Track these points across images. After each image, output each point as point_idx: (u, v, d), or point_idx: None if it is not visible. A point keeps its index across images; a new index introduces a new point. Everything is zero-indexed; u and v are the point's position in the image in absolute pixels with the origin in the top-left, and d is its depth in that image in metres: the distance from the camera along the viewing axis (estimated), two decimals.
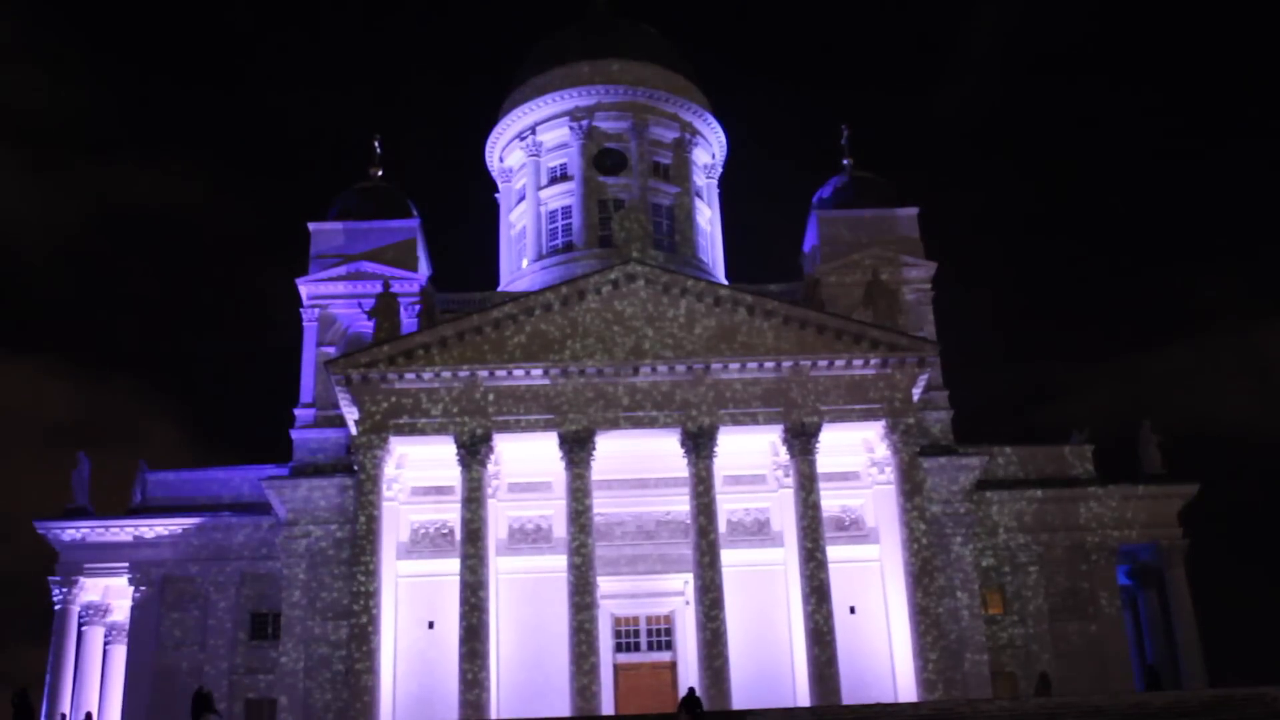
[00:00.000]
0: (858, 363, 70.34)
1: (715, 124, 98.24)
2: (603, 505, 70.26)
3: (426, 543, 72.53)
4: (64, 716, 75.12)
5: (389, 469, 70.67)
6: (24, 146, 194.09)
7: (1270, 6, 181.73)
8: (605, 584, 69.21)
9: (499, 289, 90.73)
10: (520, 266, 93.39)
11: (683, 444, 69.28)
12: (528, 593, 70.91)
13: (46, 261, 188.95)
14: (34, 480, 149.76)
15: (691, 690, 59.87)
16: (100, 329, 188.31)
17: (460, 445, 69.03)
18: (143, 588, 77.92)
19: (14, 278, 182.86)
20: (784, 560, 70.91)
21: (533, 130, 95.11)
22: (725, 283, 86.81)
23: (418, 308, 79.05)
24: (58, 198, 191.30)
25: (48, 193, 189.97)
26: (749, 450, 71.99)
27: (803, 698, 66.73)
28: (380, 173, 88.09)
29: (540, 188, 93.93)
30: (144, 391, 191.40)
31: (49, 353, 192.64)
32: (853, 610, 69.99)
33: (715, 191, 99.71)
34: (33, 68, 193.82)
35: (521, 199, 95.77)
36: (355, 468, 70.22)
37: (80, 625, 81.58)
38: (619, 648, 70.85)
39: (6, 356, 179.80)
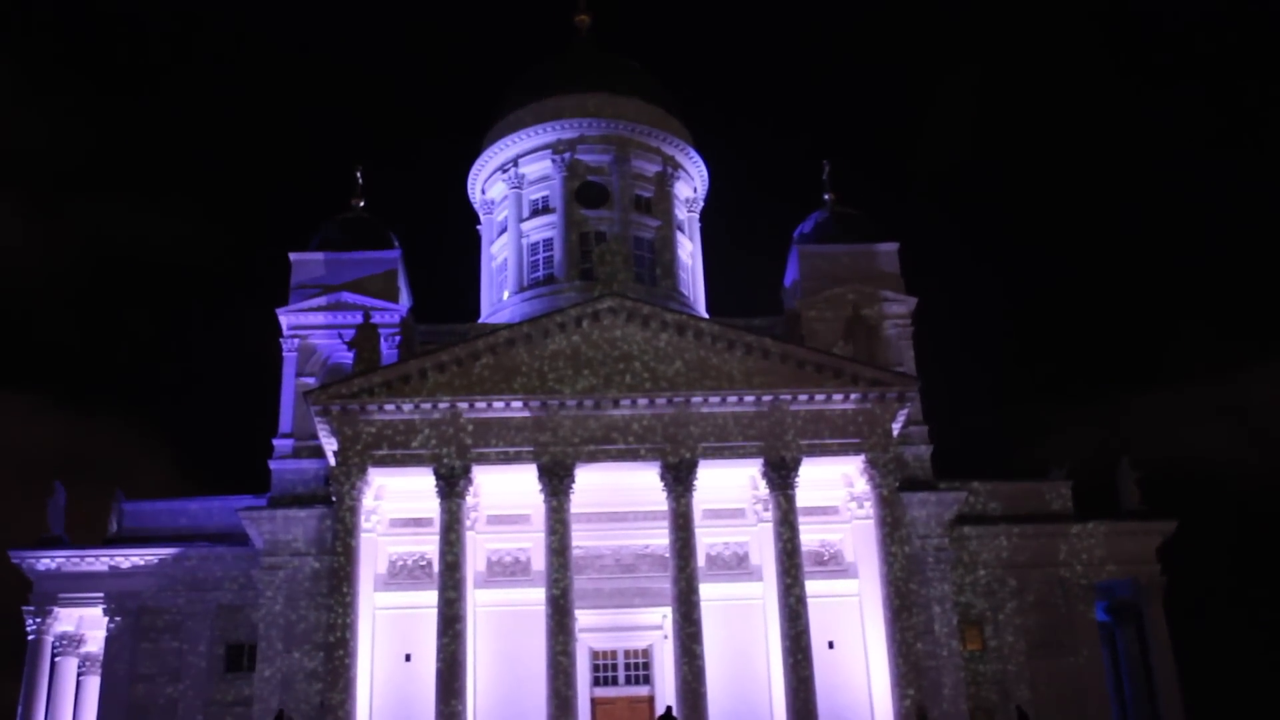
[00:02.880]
0: (838, 397, 70.48)
1: (697, 158, 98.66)
2: (582, 538, 70.13)
3: (404, 575, 72.21)
4: None
5: (367, 500, 70.47)
6: (11, 184, 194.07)
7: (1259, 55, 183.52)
8: (583, 617, 68.97)
9: (480, 321, 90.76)
10: (501, 298, 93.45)
11: (662, 477, 69.23)
12: (506, 625, 70.61)
13: (30, 298, 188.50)
14: (14, 514, 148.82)
15: (669, 709, 60.02)
16: (84, 364, 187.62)
17: (439, 477, 68.85)
18: (117, 618, 77.35)
19: (4, 314, 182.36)
20: (763, 595, 70.81)
21: (515, 163, 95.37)
22: (706, 316, 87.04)
23: (398, 339, 78.89)
24: (42, 235, 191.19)
25: (33, 230, 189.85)
26: (728, 484, 71.98)
27: None
28: (362, 203, 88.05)
29: (522, 220, 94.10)
30: (126, 424, 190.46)
31: (33, 387, 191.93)
32: (831, 645, 69.82)
33: (697, 225, 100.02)
34: (14, 105, 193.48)
35: (503, 231, 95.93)
36: (333, 499, 69.92)
37: (54, 656, 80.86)
38: (597, 681, 70.58)
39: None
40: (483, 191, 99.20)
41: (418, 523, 72.00)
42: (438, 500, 68.87)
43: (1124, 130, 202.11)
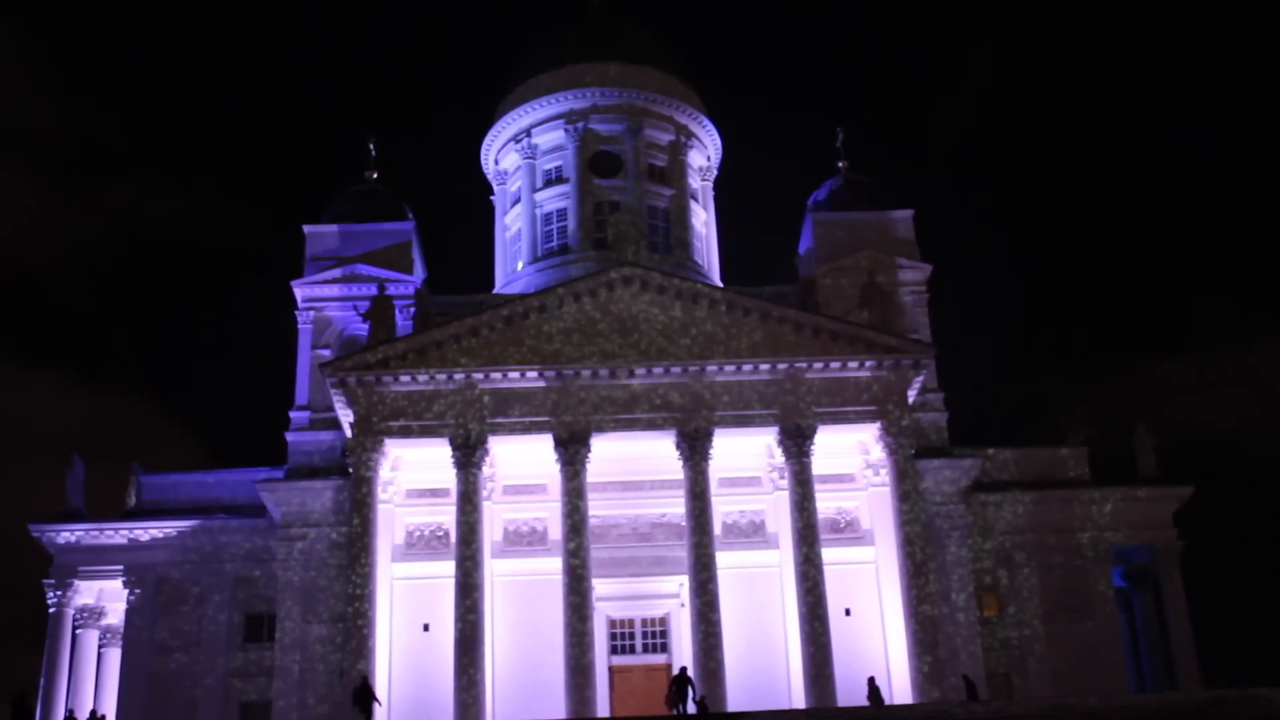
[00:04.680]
0: (853, 365, 70.42)
1: (710, 126, 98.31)
2: (598, 507, 70.31)
3: (421, 545, 72.50)
4: (71, 713, 74.60)
5: (384, 471, 70.71)
6: (30, 166, 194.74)
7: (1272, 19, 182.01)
8: (600, 586, 69.20)
9: (494, 291, 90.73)
10: (516, 269, 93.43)
11: (678, 446, 69.33)
12: (523, 595, 70.92)
13: (51, 278, 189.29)
14: (37, 488, 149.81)
15: (684, 669, 60.35)
16: (104, 341, 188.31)
17: (455, 448, 69.03)
18: (137, 590, 77.79)
19: (27, 293, 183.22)
20: (779, 562, 70.95)
21: (528, 133, 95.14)
22: (720, 285, 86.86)
23: (413, 310, 79.02)
24: (61, 215, 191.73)
25: (52, 210, 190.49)
26: (744, 452, 72.04)
27: (798, 700, 66.81)
28: (375, 175, 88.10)
29: (536, 190, 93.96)
30: (145, 399, 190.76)
31: (55, 366, 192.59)
32: (848, 612, 69.98)
33: (710, 194, 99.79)
34: (34, 88, 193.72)
35: (517, 201, 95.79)
36: (350, 470, 70.17)
37: (75, 628, 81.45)
38: (614, 650, 70.90)
39: (16, 370, 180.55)
40: (496, 162, 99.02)
41: (434, 493, 72.28)
42: (454, 471, 69.08)
43: (1143, 95, 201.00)
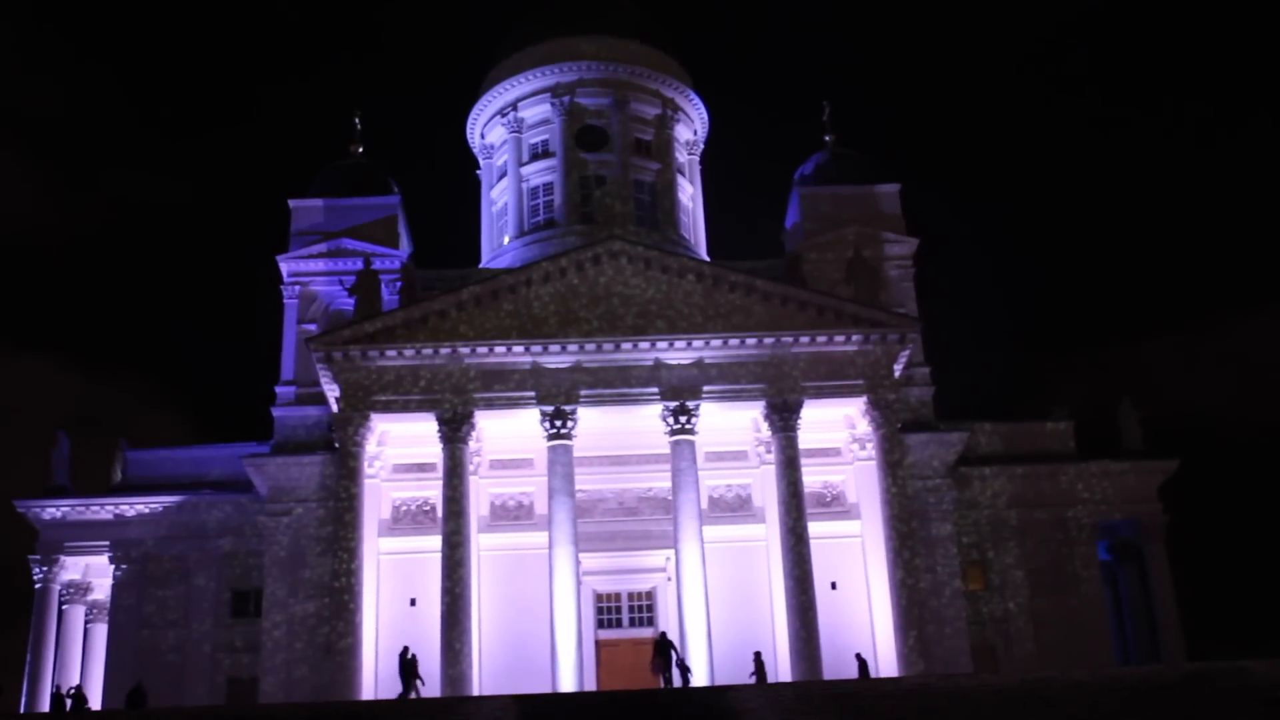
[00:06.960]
0: (839, 339, 70.44)
1: (697, 100, 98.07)
2: (584, 482, 70.33)
3: (408, 520, 72.54)
4: (58, 688, 74.50)
5: (370, 446, 70.59)
6: (17, 144, 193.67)
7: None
8: (587, 560, 69.30)
9: (481, 266, 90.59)
10: (502, 243, 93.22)
11: (664, 420, 69.33)
12: (510, 569, 70.99)
13: (40, 253, 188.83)
14: (23, 465, 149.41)
15: (664, 634, 60.62)
16: (92, 318, 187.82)
17: (442, 422, 68.97)
18: (123, 566, 77.73)
19: (13, 271, 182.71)
20: (766, 536, 71.10)
21: (514, 107, 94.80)
22: (707, 259, 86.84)
23: (399, 284, 78.82)
24: (51, 191, 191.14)
25: (41, 187, 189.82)
26: (731, 426, 72.09)
27: (784, 673, 66.94)
28: (361, 149, 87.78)
29: (522, 164, 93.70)
30: (132, 377, 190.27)
31: (43, 341, 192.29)
32: (834, 586, 70.17)
33: (697, 168, 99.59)
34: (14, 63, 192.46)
35: (503, 175, 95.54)
36: (336, 445, 70.08)
37: (61, 604, 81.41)
38: (601, 624, 71.01)
39: (3, 347, 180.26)
40: (482, 136, 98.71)
41: (421, 468, 72.32)
42: (440, 445, 69.01)
43: (1133, 73, 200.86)
